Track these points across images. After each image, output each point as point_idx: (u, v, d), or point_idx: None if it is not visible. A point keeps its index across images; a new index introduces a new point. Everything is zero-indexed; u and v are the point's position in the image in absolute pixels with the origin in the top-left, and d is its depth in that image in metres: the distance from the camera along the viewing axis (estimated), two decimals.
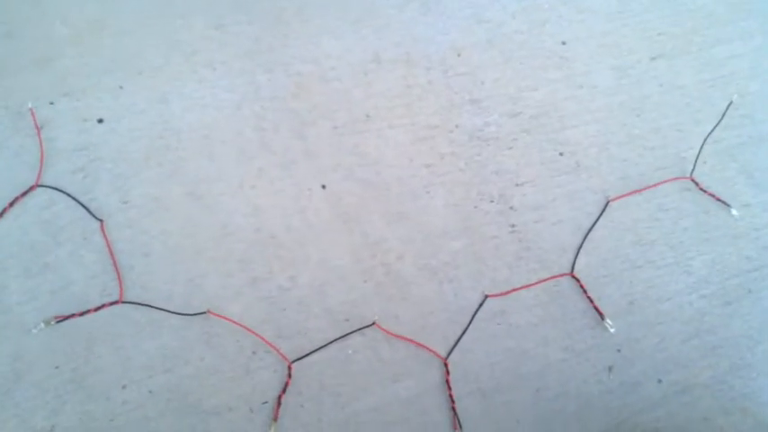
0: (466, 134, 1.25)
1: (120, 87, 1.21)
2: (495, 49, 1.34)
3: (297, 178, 1.18)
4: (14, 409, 0.99)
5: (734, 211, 1.24)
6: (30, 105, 1.16)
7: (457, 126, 1.26)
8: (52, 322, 1.03)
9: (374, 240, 1.16)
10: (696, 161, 1.26)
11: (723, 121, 1.30)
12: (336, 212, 1.17)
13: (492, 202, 1.20)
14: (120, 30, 1.26)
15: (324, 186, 1.18)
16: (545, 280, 1.16)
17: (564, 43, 1.36)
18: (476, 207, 1.20)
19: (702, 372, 1.13)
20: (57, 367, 1.01)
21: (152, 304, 1.06)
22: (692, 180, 1.25)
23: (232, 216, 1.14)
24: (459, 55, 1.32)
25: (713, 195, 1.24)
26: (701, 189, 1.25)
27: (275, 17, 1.31)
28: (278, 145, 1.20)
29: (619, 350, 1.13)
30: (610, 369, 1.11)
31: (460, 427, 1.05)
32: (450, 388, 1.07)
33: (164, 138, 1.18)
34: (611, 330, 1.13)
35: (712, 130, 1.29)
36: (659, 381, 1.12)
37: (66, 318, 1.03)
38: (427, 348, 1.09)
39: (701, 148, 1.27)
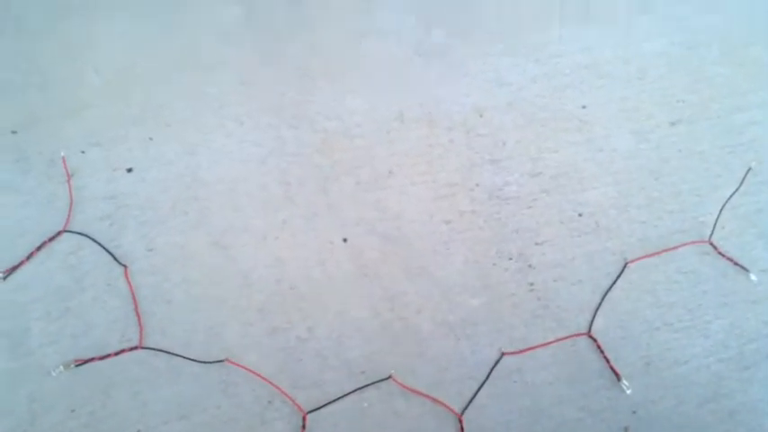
0: (486, 193, 1.27)
1: (150, 139, 1.24)
2: (516, 111, 1.36)
3: (319, 231, 1.20)
4: None
5: (752, 276, 1.24)
6: (62, 154, 1.19)
7: (477, 185, 1.27)
8: (72, 366, 1.04)
9: (393, 294, 1.17)
10: (715, 226, 1.27)
11: (742, 188, 1.31)
12: (357, 266, 1.18)
13: (511, 259, 1.21)
14: (149, 80, 1.30)
15: (345, 240, 1.20)
16: (562, 339, 1.16)
17: (584, 107, 1.38)
18: (495, 264, 1.21)
19: None
20: (73, 411, 1.02)
21: (171, 351, 1.07)
22: (711, 244, 1.26)
23: (254, 266, 1.16)
24: (480, 116, 1.35)
25: (731, 260, 1.24)
26: (720, 253, 1.25)
27: (301, 74, 1.35)
28: (302, 198, 1.23)
29: (635, 412, 1.12)
30: (625, 430, 1.11)
31: None
32: None
33: (191, 188, 1.21)
34: (628, 392, 1.12)
35: (731, 196, 1.30)
36: None
37: (86, 361, 1.05)
38: (442, 404, 1.09)
39: (720, 212, 1.28)
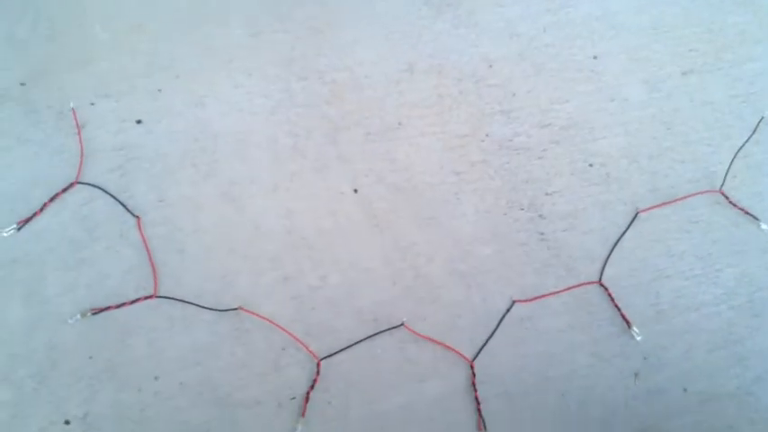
0: (496, 143, 1.27)
1: (159, 90, 1.24)
2: (526, 61, 1.36)
3: (329, 182, 1.21)
4: (50, 396, 1.01)
5: (763, 226, 1.24)
6: (71, 106, 1.20)
7: (487, 135, 1.27)
8: (88, 314, 1.05)
9: (404, 244, 1.17)
10: (726, 175, 1.27)
11: (754, 137, 1.31)
12: (367, 216, 1.19)
13: (522, 209, 1.22)
14: (157, 35, 1.30)
15: (356, 191, 1.20)
16: (573, 287, 1.17)
17: (595, 57, 1.38)
18: (505, 214, 1.21)
19: (728, 382, 1.13)
20: (91, 357, 1.04)
21: (185, 299, 1.08)
22: (722, 193, 1.26)
23: (265, 217, 1.17)
24: (490, 66, 1.34)
25: (743, 209, 1.25)
26: (731, 203, 1.25)
27: (310, 26, 1.34)
28: (311, 150, 1.23)
29: (645, 358, 1.13)
30: (636, 376, 1.12)
31: (485, 428, 1.06)
32: (476, 390, 1.08)
33: (199, 140, 1.21)
34: (638, 338, 1.13)
35: (743, 145, 1.29)
36: (685, 389, 1.12)
37: (102, 310, 1.06)
38: (454, 350, 1.10)
39: (732, 162, 1.28)
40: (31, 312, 1.06)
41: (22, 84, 1.22)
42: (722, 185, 1.27)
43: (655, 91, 1.35)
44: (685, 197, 1.25)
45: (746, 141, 1.30)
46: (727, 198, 1.26)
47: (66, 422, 1.01)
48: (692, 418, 1.10)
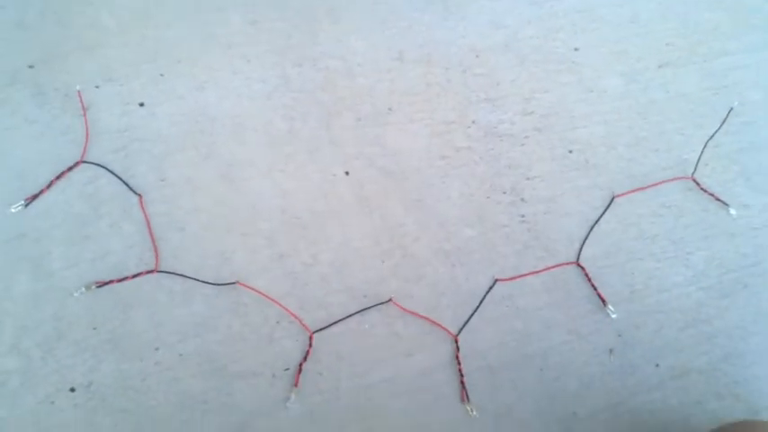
0: (481, 130, 1.32)
1: (161, 75, 1.28)
2: (511, 52, 1.41)
3: (322, 165, 1.26)
4: (56, 365, 1.06)
5: (732, 211, 1.30)
6: (77, 88, 1.24)
7: (473, 122, 1.33)
8: (92, 287, 1.10)
9: (392, 224, 1.23)
10: (698, 163, 1.33)
11: (724, 127, 1.37)
12: (358, 198, 1.24)
13: (504, 193, 1.27)
14: (161, 22, 1.34)
15: (347, 173, 1.25)
16: (552, 267, 1.22)
17: (576, 49, 1.43)
18: (488, 198, 1.27)
19: (698, 358, 1.19)
20: (95, 328, 1.09)
21: (185, 274, 1.14)
22: (694, 180, 1.32)
23: (261, 197, 1.21)
24: (477, 57, 1.39)
25: (713, 195, 1.30)
26: (702, 189, 1.31)
27: (306, 16, 1.39)
28: (305, 133, 1.28)
29: (619, 335, 1.19)
30: (610, 352, 1.17)
31: (468, 399, 1.11)
32: (459, 363, 1.13)
33: (199, 123, 1.26)
34: (613, 316, 1.19)
35: (713, 135, 1.35)
36: (657, 365, 1.18)
37: (106, 283, 1.11)
38: (439, 325, 1.15)
39: (703, 150, 1.34)
40: (38, 285, 1.10)
41: (31, 66, 1.26)
42: (694, 172, 1.32)
43: (632, 83, 1.41)
44: (659, 183, 1.31)
45: (717, 131, 1.36)
46: (698, 184, 1.31)
47: (72, 389, 1.05)
48: (663, 392, 1.16)
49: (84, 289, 1.10)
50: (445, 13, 1.43)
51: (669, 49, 1.46)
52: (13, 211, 1.14)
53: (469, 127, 1.32)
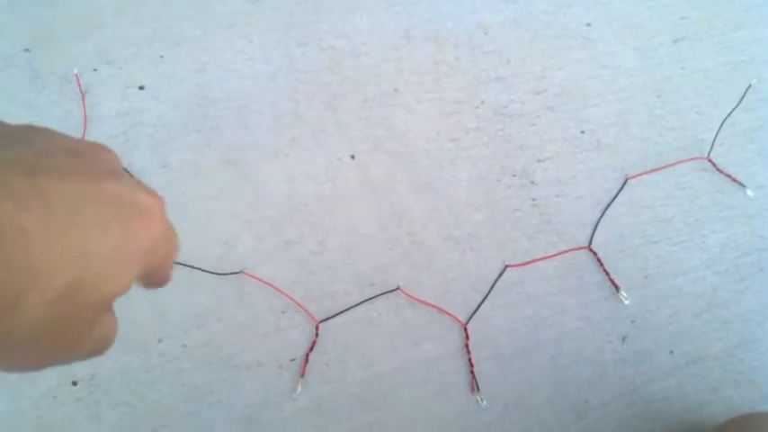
0: (491, 110, 1.29)
1: (161, 57, 1.25)
2: (521, 28, 1.37)
3: (327, 148, 1.23)
4: None
5: (749, 192, 1.27)
6: (75, 72, 1.21)
7: (482, 102, 1.29)
8: None
9: (400, 210, 1.20)
10: (713, 142, 1.29)
11: (741, 105, 1.33)
12: (365, 182, 1.21)
13: (514, 176, 1.24)
14: (160, 2, 1.30)
15: (353, 157, 1.23)
16: (563, 252, 1.20)
17: (589, 25, 1.39)
18: (499, 180, 1.24)
19: (713, 344, 1.17)
20: None
21: (189, 263, 1.12)
22: (710, 160, 1.28)
23: (266, 183, 1.19)
24: (486, 33, 1.36)
25: (729, 176, 1.28)
26: (718, 169, 1.28)
27: None
28: (310, 116, 1.25)
29: (633, 321, 1.17)
30: (624, 339, 1.16)
31: (478, 388, 1.10)
32: (469, 352, 1.12)
33: (201, 106, 1.23)
34: (626, 302, 1.17)
35: (730, 113, 1.32)
36: (671, 352, 1.16)
37: None
38: (448, 314, 1.14)
39: (719, 129, 1.30)
40: None
41: (27, 50, 1.23)
42: (710, 152, 1.29)
43: (647, 58, 1.37)
44: (674, 164, 1.28)
45: (734, 109, 1.32)
46: (714, 165, 1.28)
47: (74, 383, 1.04)
48: (678, 379, 1.15)
49: None
50: None
51: (684, 22, 1.41)
52: None
53: (479, 107, 1.29)
